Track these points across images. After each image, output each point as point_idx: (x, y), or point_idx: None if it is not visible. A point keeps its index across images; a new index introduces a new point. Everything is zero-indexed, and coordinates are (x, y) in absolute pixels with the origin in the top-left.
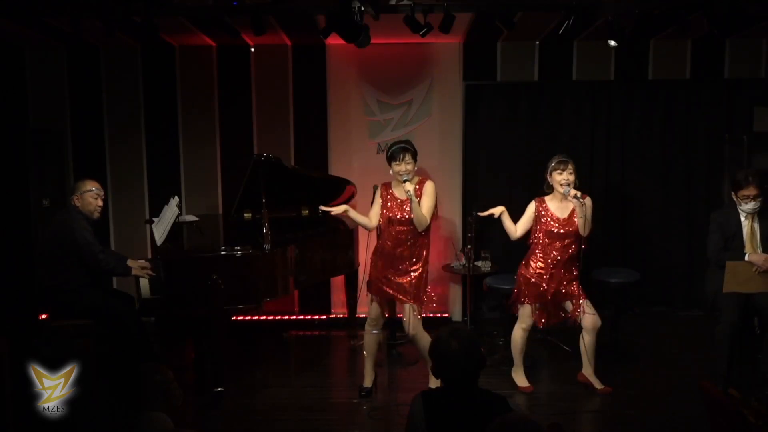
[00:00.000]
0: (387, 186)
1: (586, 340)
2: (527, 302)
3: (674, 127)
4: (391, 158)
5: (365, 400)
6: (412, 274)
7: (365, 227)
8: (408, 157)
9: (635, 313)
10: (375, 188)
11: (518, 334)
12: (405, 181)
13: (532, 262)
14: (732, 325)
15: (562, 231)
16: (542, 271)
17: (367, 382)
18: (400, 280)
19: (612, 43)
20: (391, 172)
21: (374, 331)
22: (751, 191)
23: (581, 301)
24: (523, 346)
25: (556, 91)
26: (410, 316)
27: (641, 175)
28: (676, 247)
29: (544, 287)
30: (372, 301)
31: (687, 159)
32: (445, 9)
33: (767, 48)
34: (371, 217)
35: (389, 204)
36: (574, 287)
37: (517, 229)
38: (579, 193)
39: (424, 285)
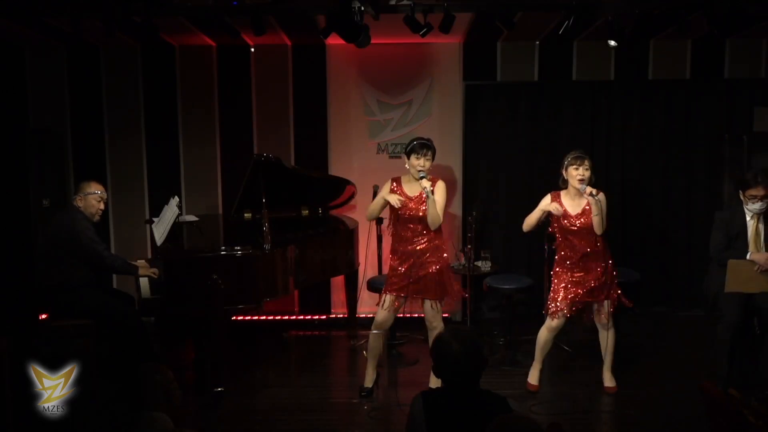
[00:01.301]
0: (397, 181)
1: (601, 338)
2: (563, 301)
3: (674, 127)
4: (412, 151)
5: (365, 400)
6: (432, 268)
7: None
8: (429, 154)
9: (635, 313)
10: (375, 188)
11: (542, 333)
12: (422, 178)
13: (558, 264)
14: (732, 325)
15: (576, 227)
16: (568, 271)
17: (368, 383)
18: (423, 276)
19: (612, 43)
20: (407, 165)
21: (375, 331)
22: (759, 191)
23: (604, 306)
24: (545, 345)
25: (556, 91)
26: (436, 314)
27: (641, 175)
28: (676, 247)
29: (572, 288)
30: (383, 306)
31: (687, 159)
32: (445, 9)
33: (767, 48)
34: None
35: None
36: (603, 286)
37: (533, 221)
38: (595, 191)
39: (449, 278)
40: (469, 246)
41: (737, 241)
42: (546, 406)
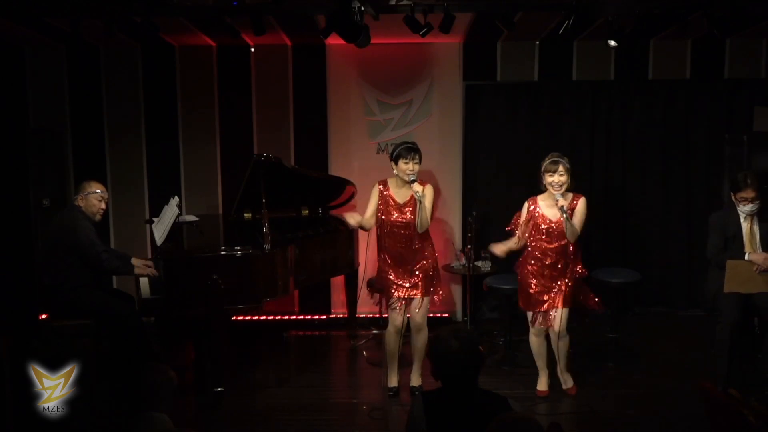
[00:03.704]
0: (384, 184)
1: (552, 344)
2: (527, 308)
3: (674, 127)
4: (399, 156)
5: (393, 400)
6: (419, 272)
7: (365, 229)
8: (417, 157)
9: (635, 313)
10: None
11: (531, 340)
12: (413, 182)
13: (528, 264)
14: (732, 325)
15: (552, 230)
16: (536, 273)
17: (393, 382)
18: (412, 279)
19: (612, 43)
20: (395, 171)
21: (392, 329)
22: (748, 194)
23: (560, 313)
24: (539, 351)
25: (556, 91)
26: (421, 309)
27: (641, 175)
28: (676, 247)
29: (535, 289)
30: (394, 308)
31: (687, 159)
32: (445, 9)
33: (767, 48)
34: (368, 218)
35: (389, 207)
36: (562, 295)
37: (522, 235)
38: (566, 205)
39: (437, 279)
40: (469, 246)
41: (734, 243)
42: (546, 406)
